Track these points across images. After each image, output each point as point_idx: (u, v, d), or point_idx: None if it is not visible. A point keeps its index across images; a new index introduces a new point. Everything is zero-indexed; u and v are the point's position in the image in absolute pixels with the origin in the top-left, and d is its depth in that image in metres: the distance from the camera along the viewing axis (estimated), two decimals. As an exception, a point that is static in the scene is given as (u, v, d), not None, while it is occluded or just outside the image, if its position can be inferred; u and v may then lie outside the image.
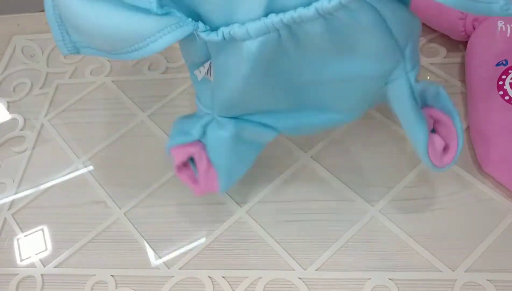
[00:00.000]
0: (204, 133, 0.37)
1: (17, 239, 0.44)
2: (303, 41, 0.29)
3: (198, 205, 0.43)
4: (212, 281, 0.39)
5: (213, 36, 0.29)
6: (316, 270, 0.39)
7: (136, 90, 0.53)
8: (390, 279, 0.37)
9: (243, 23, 0.28)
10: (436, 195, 0.41)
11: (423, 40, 0.51)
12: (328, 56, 0.31)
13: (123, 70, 0.56)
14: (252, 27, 0.28)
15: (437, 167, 0.34)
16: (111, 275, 0.41)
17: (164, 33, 0.28)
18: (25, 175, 0.49)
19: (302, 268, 0.39)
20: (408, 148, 0.44)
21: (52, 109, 0.54)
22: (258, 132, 0.38)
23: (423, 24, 0.51)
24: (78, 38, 0.32)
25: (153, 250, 0.42)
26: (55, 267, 0.42)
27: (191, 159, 0.38)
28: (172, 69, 0.54)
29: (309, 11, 0.27)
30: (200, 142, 0.37)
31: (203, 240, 0.42)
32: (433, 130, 0.35)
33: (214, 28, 0.30)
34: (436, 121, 0.35)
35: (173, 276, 0.40)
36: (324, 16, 0.28)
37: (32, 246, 0.44)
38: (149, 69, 0.55)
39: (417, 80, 0.33)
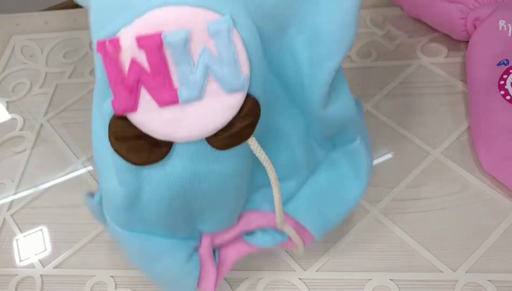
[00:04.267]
0: None
1: (17, 240, 0.44)
2: None
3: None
4: (212, 282, 0.39)
5: None
6: (316, 271, 0.39)
7: (136, 90, 0.53)
8: (391, 279, 0.37)
9: None
10: (437, 195, 0.41)
11: (424, 40, 0.51)
12: None
13: (122, 70, 0.55)
14: None
15: None
16: (111, 276, 0.41)
17: None
18: (24, 175, 0.48)
19: (303, 268, 0.39)
20: (408, 147, 0.44)
21: (51, 109, 0.53)
22: None
23: (424, 23, 0.51)
24: None
25: (153, 250, 0.42)
26: (54, 267, 0.42)
27: None
28: (172, 69, 0.54)
29: None
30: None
31: (203, 240, 0.42)
32: None
33: None
34: None
35: (173, 277, 0.40)
36: None
37: (32, 247, 0.44)
38: (148, 69, 0.55)
39: None
